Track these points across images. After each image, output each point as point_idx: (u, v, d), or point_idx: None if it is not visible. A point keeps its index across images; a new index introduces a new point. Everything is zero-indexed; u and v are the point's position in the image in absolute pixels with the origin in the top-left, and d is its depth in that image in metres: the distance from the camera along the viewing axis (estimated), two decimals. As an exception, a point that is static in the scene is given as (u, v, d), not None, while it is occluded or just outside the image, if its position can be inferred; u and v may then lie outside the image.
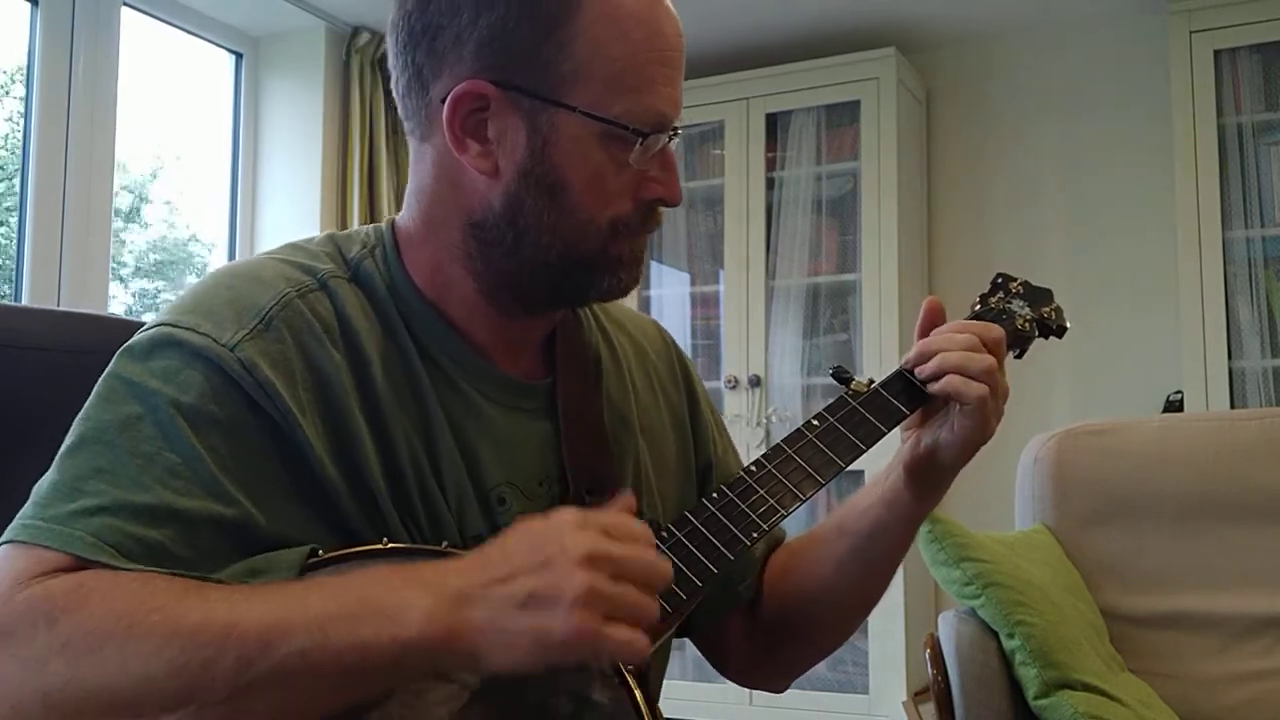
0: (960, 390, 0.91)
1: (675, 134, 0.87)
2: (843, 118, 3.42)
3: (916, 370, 0.95)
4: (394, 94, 0.91)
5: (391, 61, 0.89)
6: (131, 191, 3.20)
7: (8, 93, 2.77)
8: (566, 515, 0.72)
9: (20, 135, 2.75)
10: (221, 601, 0.68)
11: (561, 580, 0.67)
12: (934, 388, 0.93)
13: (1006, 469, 1.98)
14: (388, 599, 0.68)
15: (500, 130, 0.84)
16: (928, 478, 0.96)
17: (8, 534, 0.72)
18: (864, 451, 0.94)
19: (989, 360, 0.93)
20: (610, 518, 0.72)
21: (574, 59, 0.82)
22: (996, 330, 0.97)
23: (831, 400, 0.98)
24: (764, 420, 3.35)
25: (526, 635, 0.67)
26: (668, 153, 0.87)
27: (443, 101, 0.84)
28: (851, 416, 0.95)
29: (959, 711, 1.53)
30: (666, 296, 3.69)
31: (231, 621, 0.66)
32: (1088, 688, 1.49)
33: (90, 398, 0.78)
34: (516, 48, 0.82)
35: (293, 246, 0.90)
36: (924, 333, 0.99)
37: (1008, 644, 1.53)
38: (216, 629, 0.66)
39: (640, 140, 0.83)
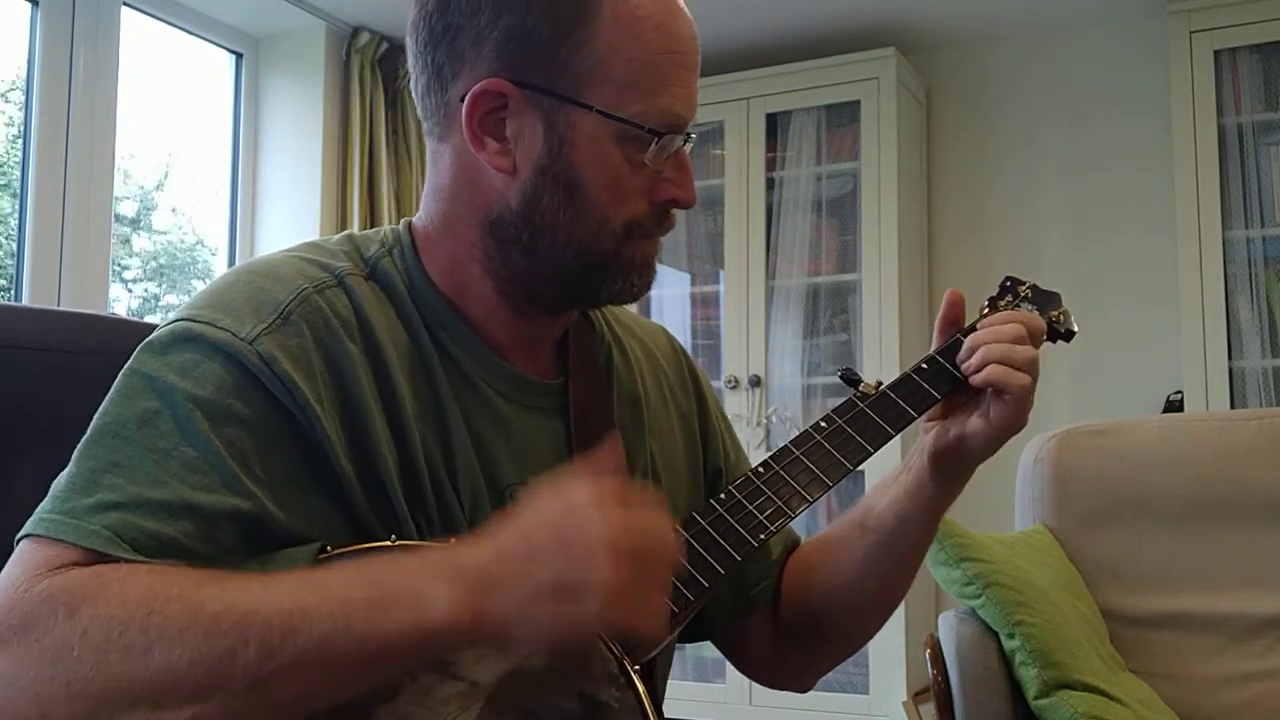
0: (1005, 381, 0.92)
1: (690, 137, 0.88)
2: (843, 118, 3.42)
3: (963, 364, 0.96)
4: (413, 94, 0.92)
5: (411, 62, 0.91)
6: (134, 199, 3.20)
7: (6, 98, 2.77)
8: (582, 493, 0.70)
9: (20, 135, 2.75)
10: (241, 590, 0.68)
11: (587, 572, 0.67)
12: (977, 379, 0.94)
13: (1006, 469, 1.98)
14: (408, 586, 0.68)
15: (518, 128, 0.85)
16: (952, 467, 0.98)
17: (26, 528, 0.73)
18: (871, 454, 0.95)
19: (1033, 352, 0.95)
20: (624, 497, 0.71)
21: (591, 59, 0.83)
22: (1039, 321, 1.00)
23: (836, 401, 0.99)
24: (764, 420, 3.35)
25: (552, 622, 0.67)
26: (682, 154, 0.88)
27: (461, 100, 0.85)
28: (859, 419, 0.96)
29: (959, 711, 1.53)
30: (666, 297, 3.69)
31: (252, 609, 0.66)
32: (1088, 688, 1.49)
33: (110, 392, 0.78)
34: (535, 48, 0.83)
35: (311, 244, 0.91)
36: (945, 324, 1.01)
37: (1008, 644, 1.53)
38: (237, 617, 0.66)
39: (656, 140, 0.85)
